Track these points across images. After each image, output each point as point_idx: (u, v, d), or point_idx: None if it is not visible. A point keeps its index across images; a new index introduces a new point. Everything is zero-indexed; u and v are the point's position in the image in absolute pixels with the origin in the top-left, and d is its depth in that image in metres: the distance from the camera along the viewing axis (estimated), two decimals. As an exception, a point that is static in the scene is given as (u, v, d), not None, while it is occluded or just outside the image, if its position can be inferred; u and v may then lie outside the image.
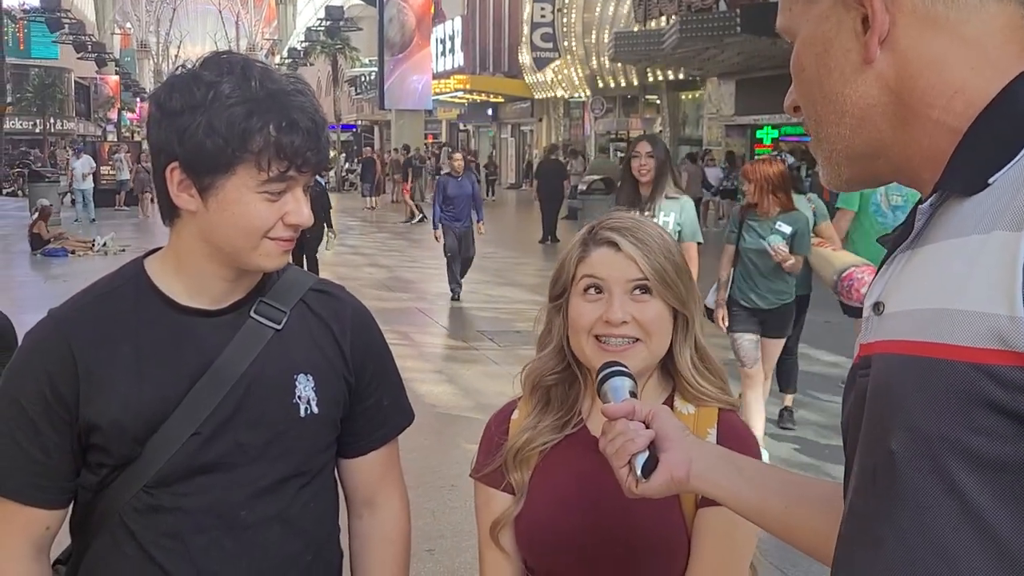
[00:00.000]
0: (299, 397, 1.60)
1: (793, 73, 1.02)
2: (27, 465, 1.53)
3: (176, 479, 1.53)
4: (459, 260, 12.46)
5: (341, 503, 1.77)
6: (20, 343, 1.59)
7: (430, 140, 45.55)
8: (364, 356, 1.70)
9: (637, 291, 1.62)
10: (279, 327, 1.60)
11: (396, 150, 30.66)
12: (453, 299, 12.36)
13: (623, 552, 1.61)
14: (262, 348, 1.58)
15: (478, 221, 12.70)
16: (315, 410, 1.61)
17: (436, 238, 12.46)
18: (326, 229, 12.32)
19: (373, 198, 30.02)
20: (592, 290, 1.63)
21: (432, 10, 37.57)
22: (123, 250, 17.36)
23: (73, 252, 17.28)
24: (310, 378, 1.61)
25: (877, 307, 0.94)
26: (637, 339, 1.61)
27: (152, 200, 23.65)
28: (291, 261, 1.67)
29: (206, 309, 1.58)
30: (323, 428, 1.65)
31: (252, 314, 1.59)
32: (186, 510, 1.54)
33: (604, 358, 1.56)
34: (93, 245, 17.70)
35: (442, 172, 13.75)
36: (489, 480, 1.74)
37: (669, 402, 1.68)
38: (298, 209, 1.50)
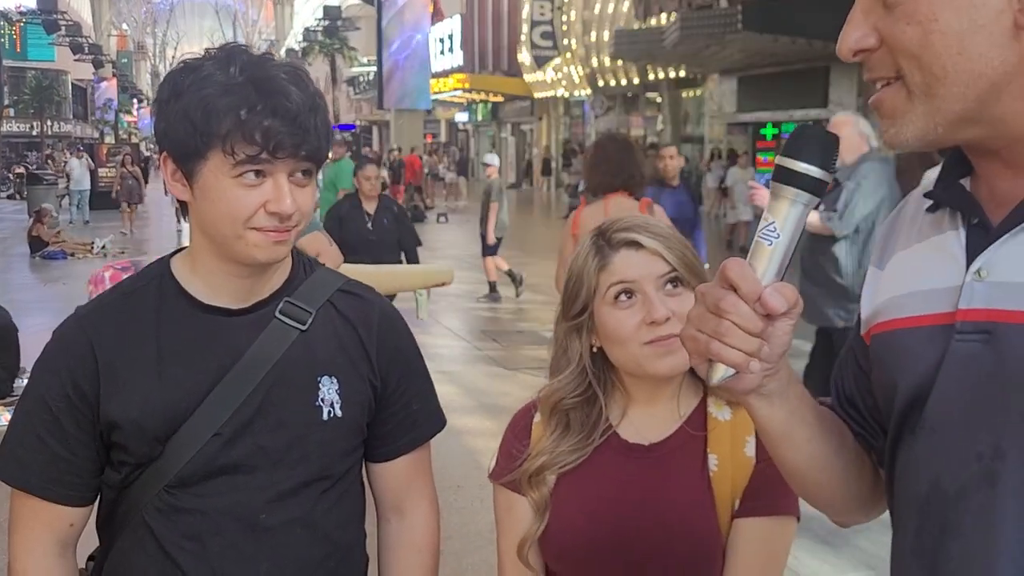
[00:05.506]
0: (322, 400, 1.57)
1: (906, 21, 0.96)
2: (52, 462, 1.53)
3: (196, 480, 1.52)
4: None
5: (369, 507, 1.73)
6: (49, 340, 1.59)
7: (429, 140, 45.54)
8: (391, 359, 1.66)
9: (669, 285, 1.56)
10: (304, 328, 1.57)
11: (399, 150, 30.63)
12: None
13: (655, 563, 1.56)
14: (286, 349, 1.55)
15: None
16: (338, 413, 1.58)
17: None
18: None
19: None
20: (623, 296, 1.56)
21: (431, 8, 37.54)
22: (122, 252, 17.33)
23: (72, 254, 17.24)
24: (334, 381, 1.58)
25: (979, 273, 0.97)
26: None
27: (133, 212, 23.45)
28: None
29: (229, 308, 1.56)
30: (346, 432, 1.61)
31: (277, 314, 1.57)
32: (205, 512, 1.52)
33: (662, 360, 1.52)
34: (92, 247, 17.66)
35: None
36: (510, 486, 1.69)
37: (702, 407, 1.61)
38: (279, 197, 1.45)
